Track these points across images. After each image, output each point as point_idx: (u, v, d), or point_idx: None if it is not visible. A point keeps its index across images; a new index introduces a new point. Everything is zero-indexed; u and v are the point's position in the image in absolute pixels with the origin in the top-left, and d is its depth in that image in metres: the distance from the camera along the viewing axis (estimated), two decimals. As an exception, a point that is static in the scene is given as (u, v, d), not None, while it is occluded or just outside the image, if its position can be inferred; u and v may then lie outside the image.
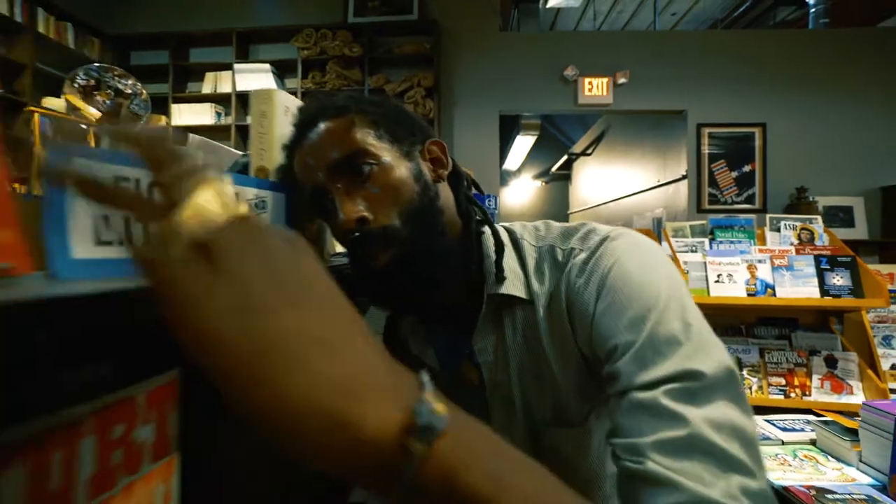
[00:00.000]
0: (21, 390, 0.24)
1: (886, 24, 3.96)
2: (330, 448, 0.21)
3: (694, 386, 0.38)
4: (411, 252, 0.47)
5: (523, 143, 6.37)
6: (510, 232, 0.57)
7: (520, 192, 8.88)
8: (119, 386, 0.31)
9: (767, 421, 1.37)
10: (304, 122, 0.50)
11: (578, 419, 0.53)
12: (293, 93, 3.59)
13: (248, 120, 0.51)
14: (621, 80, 3.72)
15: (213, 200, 0.22)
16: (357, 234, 0.46)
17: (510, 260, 0.54)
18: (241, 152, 0.81)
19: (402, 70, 3.61)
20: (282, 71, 3.73)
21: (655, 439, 0.36)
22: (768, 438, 1.25)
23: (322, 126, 0.48)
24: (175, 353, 0.37)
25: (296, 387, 0.20)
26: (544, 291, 0.52)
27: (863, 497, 0.94)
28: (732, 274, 2.11)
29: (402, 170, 0.48)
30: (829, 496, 0.94)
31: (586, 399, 0.52)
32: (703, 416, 0.36)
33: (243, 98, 3.70)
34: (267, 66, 3.66)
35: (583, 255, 0.49)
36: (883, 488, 0.98)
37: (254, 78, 3.64)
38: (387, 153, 0.48)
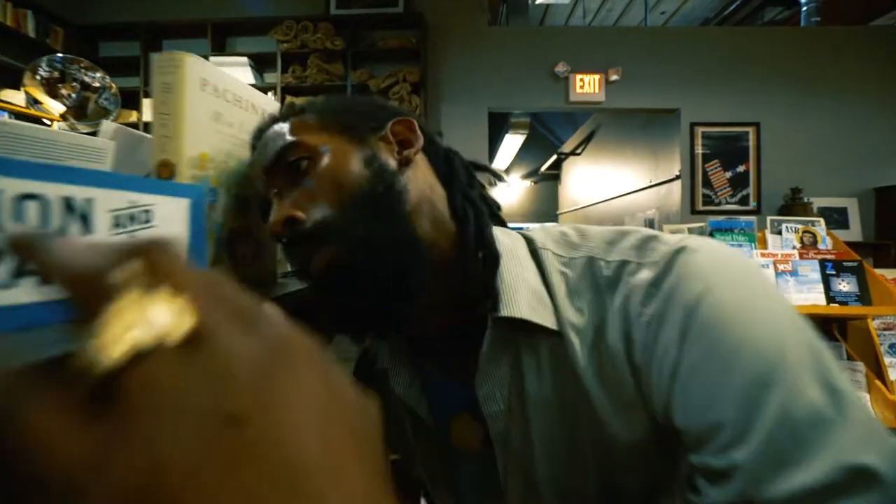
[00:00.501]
0: None
1: (878, 22, 3.92)
2: None
3: (871, 498, 0.25)
4: (355, 247, 0.36)
5: (512, 142, 6.26)
6: (528, 240, 0.43)
7: (508, 193, 8.78)
8: None
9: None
10: (253, 135, 0.44)
11: (636, 501, 0.38)
12: (272, 88, 3.42)
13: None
14: (614, 77, 3.61)
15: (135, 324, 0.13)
16: (285, 238, 0.37)
17: (528, 273, 0.40)
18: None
19: (386, 65, 3.45)
20: (260, 65, 3.56)
21: None
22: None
23: (265, 134, 0.42)
24: None
25: None
26: (584, 322, 0.38)
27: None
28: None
29: (344, 157, 0.39)
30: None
31: (651, 473, 0.38)
32: None
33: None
34: (245, 59, 3.48)
35: (647, 274, 0.35)
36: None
37: (231, 72, 3.43)
38: (326, 143, 0.39)
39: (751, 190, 3.68)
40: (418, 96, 3.38)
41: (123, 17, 3.61)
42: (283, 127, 0.41)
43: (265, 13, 3.53)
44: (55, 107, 2.42)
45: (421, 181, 0.42)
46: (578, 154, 6.87)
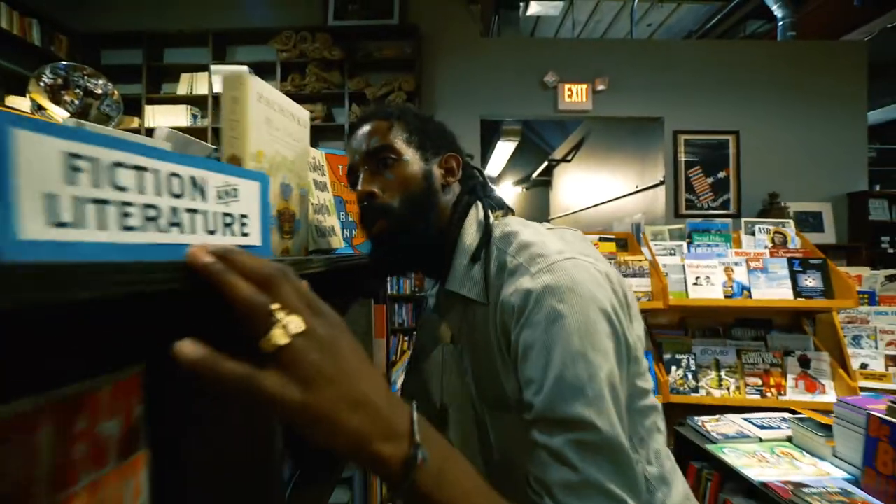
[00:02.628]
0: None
1: (850, 36, 4.13)
2: (365, 463, 0.33)
3: (589, 439, 0.46)
4: (397, 227, 0.60)
5: (504, 149, 6.42)
6: (490, 236, 0.62)
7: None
8: (81, 378, 0.28)
9: (745, 419, 1.39)
10: (357, 119, 0.67)
11: (516, 408, 0.55)
12: (272, 95, 3.53)
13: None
14: (600, 87, 3.78)
15: (293, 321, 0.31)
16: (365, 203, 0.61)
17: (466, 260, 0.62)
18: (213, 146, 0.78)
19: (382, 74, 3.59)
20: (260, 73, 3.67)
21: (558, 481, 0.45)
22: (746, 436, 1.27)
23: (368, 124, 0.64)
24: (140, 346, 0.35)
25: (347, 435, 0.31)
26: (496, 297, 0.57)
27: (837, 490, 0.95)
28: (710, 276, 2.15)
29: (415, 168, 0.62)
30: (806, 490, 0.95)
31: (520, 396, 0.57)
32: (595, 466, 0.45)
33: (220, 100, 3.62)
34: (245, 67, 3.60)
35: (527, 278, 0.53)
36: (856, 481, 1.00)
37: (231, 79, 3.58)
38: (409, 154, 0.62)
39: (731, 195, 3.85)
40: (413, 103, 3.51)
41: (127, 26, 3.71)
42: (383, 125, 0.63)
43: (265, 23, 3.66)
44: (58, 112, 2.52)
45: (447, 200, 0.65)
46: (569, 160, 7.05)
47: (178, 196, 0.37)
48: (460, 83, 3.77)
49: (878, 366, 2.03)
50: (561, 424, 0.47)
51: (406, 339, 3.60)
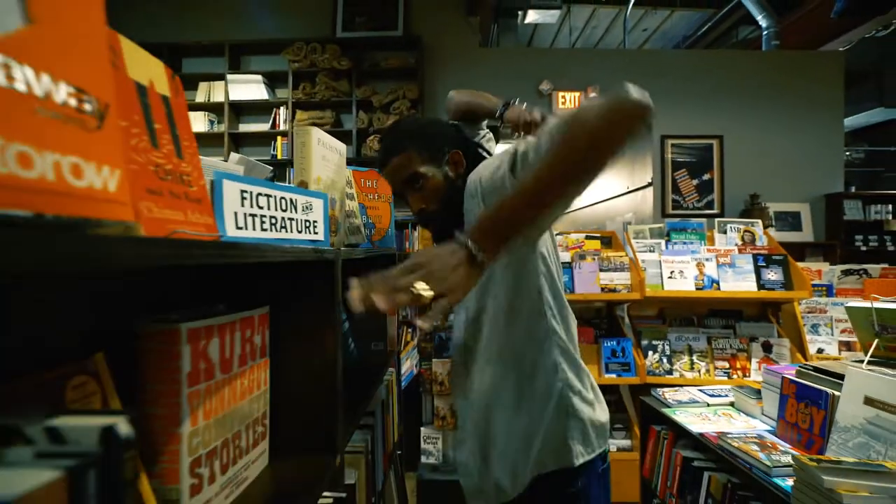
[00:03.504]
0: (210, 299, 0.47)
1: (828, 46, 4.35)
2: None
3: None
4: (442, 221, 0.85)
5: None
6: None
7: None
8: (246, 308, 0.54)
9: (699, 390, 1.63)
10: (382, 157, 0.85)
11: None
12: (284, 103, 3.78)
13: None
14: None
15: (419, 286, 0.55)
16: (420, 216, 0.85)
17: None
18: (270, 167, 1.03)
19: (388, 82, 3.84)
20: (273, 81, 3.92)
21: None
22: (696, 402, 1.51)
23: (391, 160, 0.83)
24: (267, 295, 0.60)
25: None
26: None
27: (754, 435, 1.20)
28: (683, 270, 2.38)
29: (437, 177, 0.84)
30: (730, 436, 1.20)
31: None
32: None
33: (236, 107, 3.87)
34: (259, 77, 3.85)
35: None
36: (773, 431, 1.25)
37: (246, 88, 3.83)
38: (427, 170, 0.83)
39: (715, 196, 4.09)
40: (417, 111, 3.76)
41: (148, 37, 3.96)
42: (403, 160, 0.82)
43: (277, 35, 3.90)
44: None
45: (459, 182, 0.86)
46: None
47: (284, 210, 0.62)
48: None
49: (832, 350, 2.27)
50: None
51: (409, 330, 3.84)
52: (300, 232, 0.65)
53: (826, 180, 4.11)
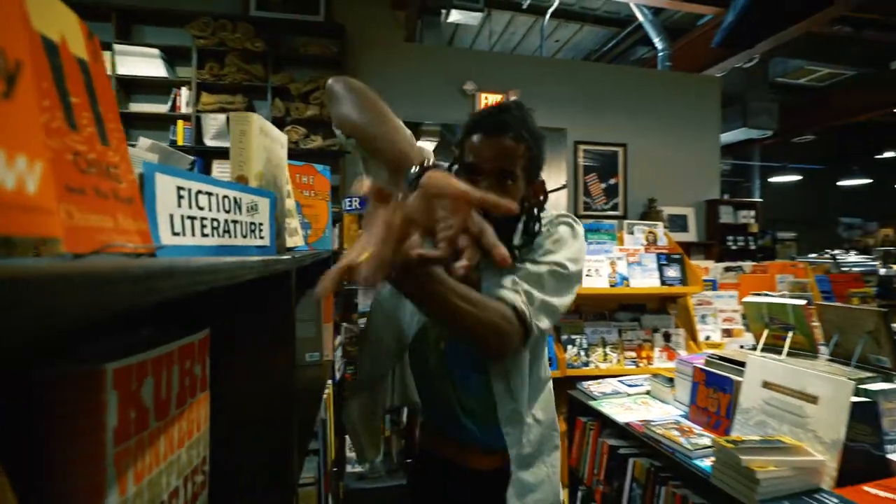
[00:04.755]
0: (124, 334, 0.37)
1: (711, 71, 4.97)
2: None
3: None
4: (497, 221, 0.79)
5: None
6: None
7: (420, 195, 9.17)
8: (179, 337, 0.44)
9: (619, 381, 1.75)
10: (496, 123, 0.77)
11: None
12: (186, 82, 3.39)
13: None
14: (513, 98, 4.15)
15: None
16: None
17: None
18: (190, 157, 0.89)
19: (307, 70, 3.61)
20: (173, 57, 3.49)
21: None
22: (619, 393, 1.62)
23: (506, 137, 0.76)
24: (207, 319, 0.50)
25: None
26: None
27: (672, 421, 1.31)
28: (598, 269, 2.55)
29: (520, 189, 0.80)
30: (653, 424, 1.30)
31: None
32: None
33: (125, 83, 3.38)
34: (155, 51, 3.40)
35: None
36: (686, 416, 1.38)
37: (138, 62, 3.36)
38: (520, 178, 0.79)
39: (619, 199, 4.46)
40: (338, 102, 3.58)
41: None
42: (518, 149, 0.77)
43: (179, 5, 3.47)
44: None
45: (524, 212, 0.84)
46: (484, 161, 7.47)
47: (228, 211, 0.53)
48: (384, 85, 3.91)
49: (716, 337, 2.60)
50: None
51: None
52: (245, 237, 0.56)
53: (706, 188, 4.70)
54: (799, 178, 8.38)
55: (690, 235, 4.56)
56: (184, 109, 3.40)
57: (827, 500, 0.92)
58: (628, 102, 4.55)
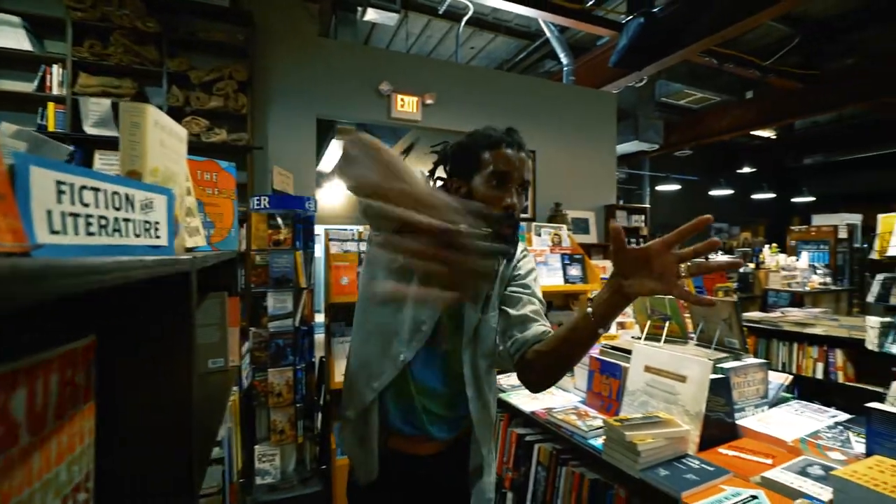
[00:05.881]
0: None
1: (608, 87, 5.48)
2: None
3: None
4: (517, 227, 0.95)
5: (338, 147, 6.50)
6: None
7: (335, 195, 8.93)
8: (60, 343, 0.40)
9: (527, 373, 1.87)
10: (517, 143, 0.93)
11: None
12: (59, 60, 2.98)
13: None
14: (429, 101, 4.23)
15: None
16: (509, 210, 0.88)
17: None
18: (69, 147, 0.81)
19: (210, 58, 3.35)
20: (40, 29, 3.03)
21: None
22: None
23: (524, 154, 0.93)
24: (92, 323, 0.46)
25: None
26: None
27: (572, 407, 1.44)
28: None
29: (526, 194, 0.94)
30: (554, 410, 1.41)
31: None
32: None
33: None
34: (17, 19, 2.93)
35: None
36: (584, 402, 1.52)
37: (-4, 32, 2.87)
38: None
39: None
40: (245, 95, 3.38)
41: None
42: (530, 164, 0.94)
43: (49, -29, 3.03)
44: None
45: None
46: (402, 162, 7.47)
47: (118, 209, 0.50)
48: (297, 80, 3.76)
49: (613, 330, 2.87)
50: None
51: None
52: (138, 236, 0.52)
53: (605, 194, 5.17)
54: (679, 187, 9.54)
55: (592, 237, 4.98)
56: (55, 90, 2.97)
57: (691, 463, 1.08)
58: (537, 112, 4.85)
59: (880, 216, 2.09)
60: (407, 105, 4.14)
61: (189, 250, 0.84)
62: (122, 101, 3.03)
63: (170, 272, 0.49)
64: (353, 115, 4.14)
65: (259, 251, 2.24)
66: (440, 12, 5.58)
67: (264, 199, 2.24)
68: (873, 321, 2.15)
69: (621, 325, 3.00)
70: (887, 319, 2.09)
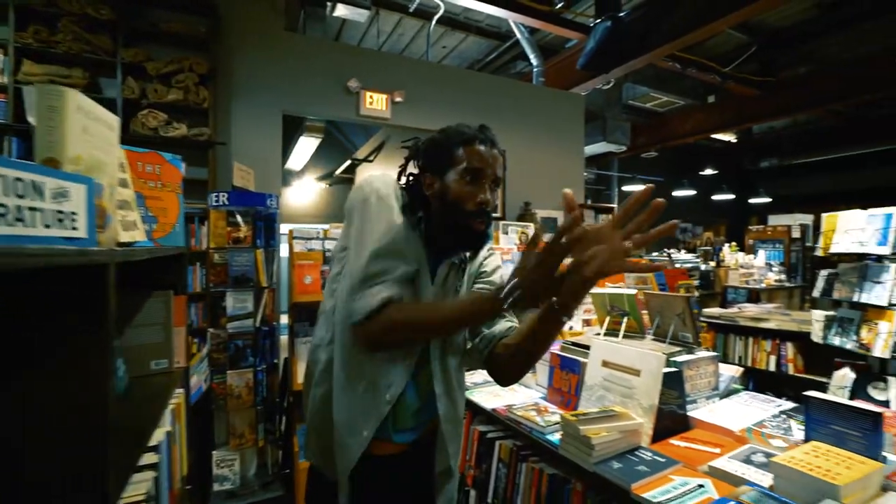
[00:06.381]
0: None
1: (576, 89, 5.57)
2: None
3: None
4: (490, 224, 0.93)
5: (307, 145, 6.37)
6: None
7: (303, 193, 8.77)
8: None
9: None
10: (490, 139, 0.92)
11: None
12: (2, 45, 2.81)
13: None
14: (398, 99, 4.20)
15: None
16: (483, 206, 0.88)
17: None
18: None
19: (169, 49, 3.22)
20: (-21, 13, 2.85)
21: None
22: (488, 382, 1.74)
23: (497, 151, 0.92)
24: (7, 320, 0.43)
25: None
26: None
27: (532, 402, 1.45)
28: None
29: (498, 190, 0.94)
30: (515, 407, 1.42)
31: None
32: None
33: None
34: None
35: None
36: (545, 397, 1.54)
37: (-71, 14, 2.68)
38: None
39: (499, 201, 4.77)
40: (207, 88, 3.27)
41: None
42: (502, 160, 0.93)
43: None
44: None
45: None
46: (371, 161, 7.42)
47: (22, 196, 0.46)
48: (262, 75, 3.67)
49: (578, 327, 2.91)
50: None
51: (196, 340, 3.32)
52: (49, 227, 0.49)
53: (573, 194, 5.25)
54: (644, 187, 9.81)
55: (559, 236, 5.06)
56: (-3, 79, 2.80)
57: (643, 455, 1.10)
58: (507, 112, 4.89)
59: (824, 215, 2.20)
60: (376, 102, 4.10)
61: (125, 245, 0.80)
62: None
63: (82, 263, 0.46)
64: (322, 111, 4.07)
65: (218, 249, 2.17)
66: (411, 10, 5.55)
67: (223, 196, 2.16)
68: (818, 315, 2.26)
69: (587, 322, 3.06)
70: (830, 313, 2.20)
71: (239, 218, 2.17)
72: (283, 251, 2.51)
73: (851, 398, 2.01)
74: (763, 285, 5.58)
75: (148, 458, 0.71)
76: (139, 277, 1.03)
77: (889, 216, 1.89)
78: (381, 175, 0.95)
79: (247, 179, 2.55)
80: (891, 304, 1.89)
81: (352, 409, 0.89)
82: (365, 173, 8.19)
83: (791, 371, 3.05)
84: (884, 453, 1.00)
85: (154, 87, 3.10)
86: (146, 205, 0.94)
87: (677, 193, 9.78)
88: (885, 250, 1.88)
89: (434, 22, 5.51)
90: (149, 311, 1.02)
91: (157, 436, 0.79)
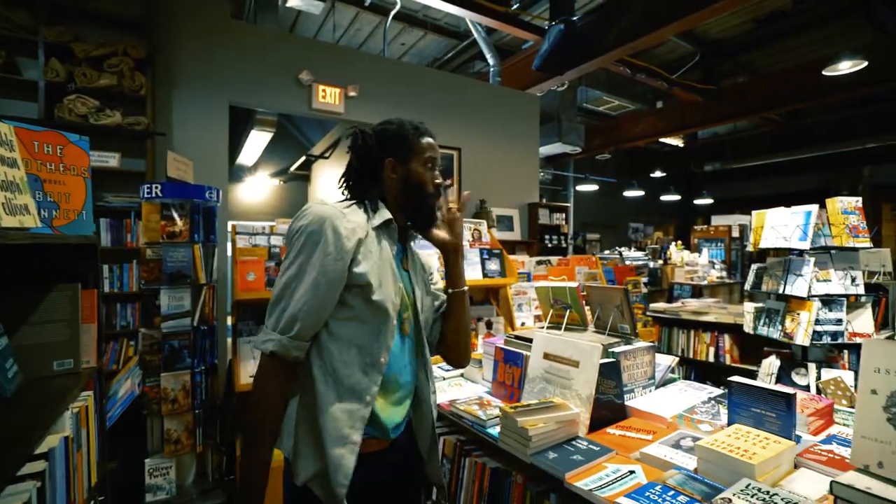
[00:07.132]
0: None
1: (532, 90, 5.67)
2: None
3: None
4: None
5: (259, 139, 6.14)
6: None
7: (257, 190, 8.46)
8: None
9: (438, 367, 1.86)
10: (431, 132, 1.07)
11: None
12: None
13: None
14: (352, 94, 4.11)
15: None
16: (439, 187, 1.06)
17: None
18: None
19: (100, 30, 3.00)
20: None
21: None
22: (436, 377, 1.72)
23: (435, 144, 1.07)
24: None
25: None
26: None
27: (476, 398, 1.45)
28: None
29: None
30: (458, 401, 1.41)
31: None
32: None
33: None
34: None
35: None
36: (490, 392, 1.53)
37: None
38: None
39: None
40: (143, 74, 3.07)
41: None
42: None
43: None
44: None
45: None
46: (327, 157, 7.25)
47: None
48: (206, 63, 3.49)
49: (530, 322, 2.96)
50: None
51: (132, 343, 3.12)
52: None
53: (528, 193, 5.34)
54: (597, 187, 10.15)
55: (516, 234, 5.13)
56: None
57: (580, 444, 1.11)
58: (463, 110, 4.91)
59: (754, 212, 2.34)
60: (329, 96, 4.00)
61: (12, 230, 0.72)
62: (-14, 72, 2.62)
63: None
64: (271, 104, 3.93)
65: (151, 244, 2.03)
66: (367, 4, 5.46)
67: (156, 188, 2.03)
68: (749, 307, 2.40)
69: (537, 318, 3.10)
70: (759, 305, 2.34)
71: (174, 211, 2.05)
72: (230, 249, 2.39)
73: (777, 384, 2.14)
74: (706, 282, 5.89)
75: (33, 467, 0.64)
76: (43, 269, 0.94)
77: (809, 213, 2.03)
78: (328, 206, 0.98)
79: (183, 171, 2.40)
80: (810, 296, 2.03)
81: (337, 416, 0.92)
82: (322, 170, 7.99)
83: (728, 361, 3.22)
84: (798, 433, 1.06)
85: (83, 71, 2.88)
86: (45, 189, 0.85)
87: (628, 193, 10.16)
88: (805, 245, 2.02)
89: (391, 17, 5.45)
90: (51, 307, 0.93)
91: (50, 441, 0.71)
